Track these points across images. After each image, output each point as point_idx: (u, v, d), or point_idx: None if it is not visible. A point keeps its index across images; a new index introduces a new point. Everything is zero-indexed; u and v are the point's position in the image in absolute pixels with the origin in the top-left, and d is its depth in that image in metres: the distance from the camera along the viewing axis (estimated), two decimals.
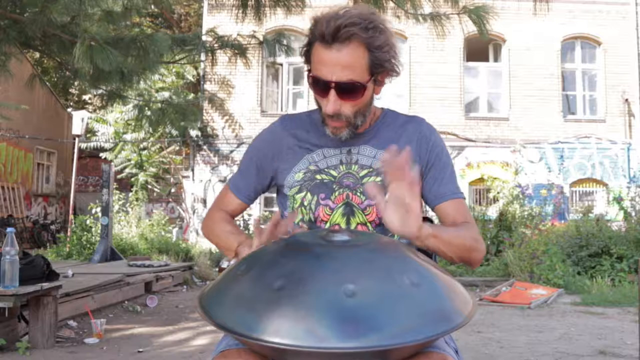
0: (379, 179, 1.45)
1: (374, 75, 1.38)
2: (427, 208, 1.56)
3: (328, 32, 1.33)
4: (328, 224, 1.44)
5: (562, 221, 12.43)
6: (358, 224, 1.44)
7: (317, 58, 1.37)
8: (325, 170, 1.48)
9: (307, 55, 1.42)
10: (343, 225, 1.43)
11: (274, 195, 1.63)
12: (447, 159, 1.53)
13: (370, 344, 0.95)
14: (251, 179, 1.57)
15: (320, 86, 1.38)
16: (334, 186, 1.46)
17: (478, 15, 5.35)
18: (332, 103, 1.37)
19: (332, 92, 1.36)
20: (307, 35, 1.40)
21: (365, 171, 1.47)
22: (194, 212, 13.75)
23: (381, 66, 1.38)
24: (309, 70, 1.42)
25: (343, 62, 1.33)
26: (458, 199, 1.48)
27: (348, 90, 1.36)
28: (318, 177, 1.47)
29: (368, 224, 1.44)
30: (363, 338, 0.95)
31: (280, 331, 0.97)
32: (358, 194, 1.45)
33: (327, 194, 1.45)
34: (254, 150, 1.59)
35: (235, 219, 1.64)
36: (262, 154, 1.56)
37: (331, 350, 0.95)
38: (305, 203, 1.46)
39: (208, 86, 13.99)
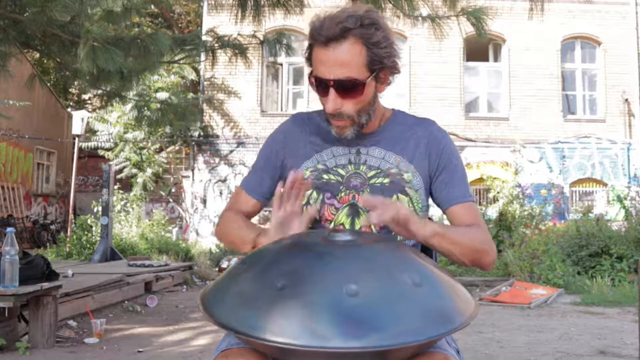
0: (386, 180, 1.45)
1: (374, 73, 1.37)
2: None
3: (323, 32, 1.33)
4: (332, 224, 1.44)
5: (562, 221, 12.43)
6: (362, 225, 1.44)
7: (317, 59, 1.37)
8: (333, 169, 1.47)
9: (310, 59, 1.42)
10: (347, 226, 1.43)
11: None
12: (458, 162, 1.52)
13: (372, 344, 0.95)
14: (265, 176, 1.55)
15: (320, 86, 1.38)
16: (341, 187, 1.45)
17: (476, 17, 5.37)
18: (331, 102, 1.37)
19: (332, 91, 1.36)
20: (308, 39, 1.40)
21: (373, 172, 1.46)
22: (194, 212, 13.75)
23: (380, 62, 1.36)
24: (311, 73, 1.41)
25: (340, 60, 1.33)
26: (468, 202, 1.48)
27: (347, 88, 1.35)
28: (325, 176, 1.47)
29: (373, 226, 1.43)
30: (365, 338, 0.95)
31: (282, 331, 0.97)
32: (364, 195, 1.44)
33: (333, 194, 1.45)
34: (267, 148, 1.57)
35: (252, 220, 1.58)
36: (274, 151, 1.55)
37: (333, 350, 0.95)
38: (311, 201, 1.45)
39: (208, 86, 13.99)
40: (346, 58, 1.33)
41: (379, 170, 1.46)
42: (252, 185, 1.56)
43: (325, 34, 1.33)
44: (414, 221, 1.28)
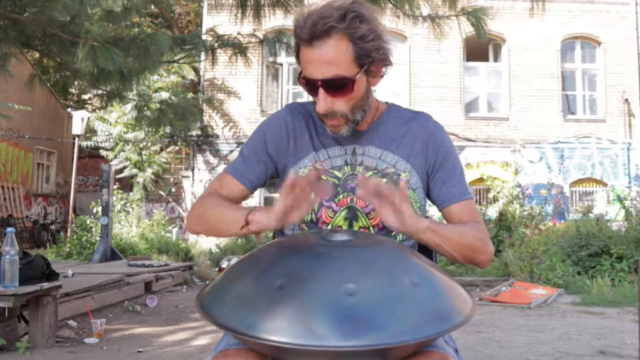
0: (384, 180, 1.41)
1: (363, 67, 1.32)
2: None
3: (306, 31, 1.29)
4: (330, 227, 1.41)
5: (562, 221, 12.43)
6: (361, 227, 1.41)
7: (304, 59, 1.33)
8: (330, 171, 1.43)
9: (298, 58, 1.37)
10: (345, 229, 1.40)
11: (275, 195, 1.58)
12: (455, 159, 1.48)
13: (370, 343, 0.95)
14: (255, 164, 1.45)
15: (310, 86, 1.34)
16: (339, 189, 1.42)
17: (476, 17, 5.38)
18: (322, 102, 1.33)
19: (321, 91, 1.32)
20: (293, 37, 1.36)
21: (370, 172, 1.42)
22: None
23: (368, 56, 1.31)
24: (300, 73, 1.37)
25: (326, 58, 1.28)
26: (466, 200, 1.44)
27: (336, 86, 1.31)
28: (323, 177, 1.42)
29: (371, 228, 1.40)
30: (363, 337, 0.95)
31: (280, 330, 0.97)
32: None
33: (331, 196, 1.41)
34: (259, 136, 1.49)
35: None
36: (268, 140, 1.47)
37: (331, 349, 0.95)
38: None
39: (208, 86, 13.99)
40: (332, 56, 1.28)
41: (376, 170, 1.43)
42: (240, 170, 1.46)
43: (308, 32, 1.28)
44: (409, 205, 1.22)
